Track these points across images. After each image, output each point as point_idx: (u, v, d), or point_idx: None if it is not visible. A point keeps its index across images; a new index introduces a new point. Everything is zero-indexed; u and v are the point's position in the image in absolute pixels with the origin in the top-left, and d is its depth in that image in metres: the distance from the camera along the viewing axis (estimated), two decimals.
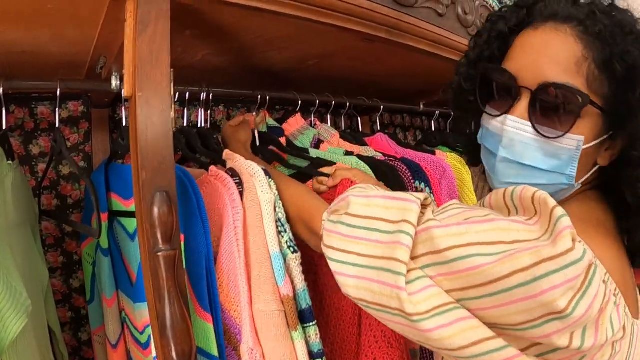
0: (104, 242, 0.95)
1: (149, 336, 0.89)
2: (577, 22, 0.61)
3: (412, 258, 0.57)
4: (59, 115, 1.05)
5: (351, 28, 0.86)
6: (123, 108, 0.93)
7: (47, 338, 0.90)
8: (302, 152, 0.98)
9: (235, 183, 0.77)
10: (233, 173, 0.80)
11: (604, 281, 0.53)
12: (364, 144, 1.13)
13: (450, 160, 1.17)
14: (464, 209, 0.61)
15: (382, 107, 1.23)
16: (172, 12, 0.68)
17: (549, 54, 0.62)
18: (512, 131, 0.63)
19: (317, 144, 1.05)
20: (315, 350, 0.78)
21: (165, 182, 0.66)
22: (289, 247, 0.77)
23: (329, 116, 1.20)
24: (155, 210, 0.65)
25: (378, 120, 1.30)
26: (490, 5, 1.14)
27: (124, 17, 0.68)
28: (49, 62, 0.90)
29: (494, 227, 0.54)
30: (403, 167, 0.99)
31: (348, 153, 1.00)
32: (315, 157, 0.96)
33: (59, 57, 0.88)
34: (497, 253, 0.51)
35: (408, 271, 0.56)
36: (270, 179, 0.79)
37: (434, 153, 1.19)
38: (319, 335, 0.79)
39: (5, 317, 0.71)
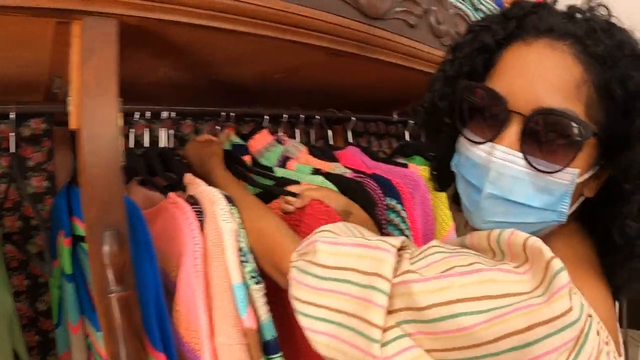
0: (67, 267, 0.91)
1: None
2: (575, 40, 0.54)
3: (389, 312, 0.52)
4: (22, 132, 1.03)
5: (316, 44, 0.82)
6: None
7: None
8: (266, 172, 0.94)
9: (196, 212, 0.74)
10: (193, 201, 0.77)
11: (598, 333, 0.49)
12: (333, 159, 1.10)
13: (423, 174, 1.14)
14: (445, 253, 0.54)
15: (353, 118, 1.19)
16: (123, 33, 0.65)
17: (546, 75, 0.54)
18: (500, 163, 0.55)
19: (284, 161, 1.02)
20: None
21: (115, 220, 0.63)
22: (252, 277, 0.74)
23: (297, 129, 1.17)
24: (106, 249, 0.62)
25: (350, 132, 1.27)
26: (465, 13, 1.10)
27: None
28: (6, 82, 0.87)
29: (480, 279, 0.48)
30: (373, 184, 0.96)
31: (315, 171, 0.97)
32: (280, 176, 0.93)
33: (16, 78, 0.86)
34: (485, 311, 0.46)
35: (384, 330, 0.51)
36: (233, 207, 0.76)
37: (406, 166, 1.16)
38: None
39: None
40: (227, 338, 0.71)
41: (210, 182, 0.83)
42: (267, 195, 0.89)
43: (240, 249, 0.74)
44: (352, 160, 1.11)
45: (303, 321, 0.59)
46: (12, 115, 0.83)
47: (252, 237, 0.76)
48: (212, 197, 0.76)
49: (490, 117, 0.57)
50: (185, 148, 0.98)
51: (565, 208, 0.56)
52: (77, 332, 0.92)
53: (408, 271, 0.52)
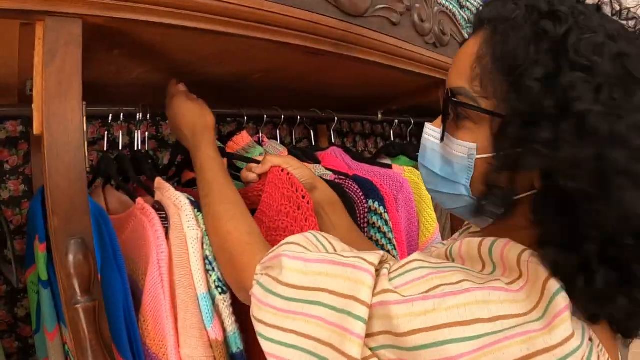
0: (43, 274, 0.89)
1: None
2: (493, 22, 0.54)
3: (366, 335, 0.47)
4: None
5: (292, 42, 0.81)
6: None
7: None
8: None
9: (161, 218, 0.72)
10: (159, 206, 0.75)
11: (599, 357, 0.46)
12: (315, 160, 1.08)
13: (407, 175, 1.12)
14: (429, 269, 0.50)
15: (336, 118, 1.17)
16: (91, 34, 0.63)
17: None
18: (425, 138, 0.62)
19: None
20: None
21: (79, 229, 0.61)
22: (217, 287, 0.71)
23: (278, 129, 1.15)
24: (70, 258, 0.60)
25: (332, 132, 1.24)
26: (450, 10, 1.08)
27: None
28: None
29: (469, 300, 0.44)
30: (354, 187, 0.94)
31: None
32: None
33: None
34: (476, 337, 0.41)
35: None
36: (199, 213, 0.73)
37: (390, 167, 1.14)
38: None
39: None
40: (192, 350, 0.69)
41: (195, 159, 0.80)
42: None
43: (205, 257, 0.72)
44: (333, 162, 1.09)
45: (267, 347, 0.54)
46: None
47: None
48: (177, 202, 0.74)
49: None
50: (175, 106, 0.85)
51: (468, 182, 0.55)
52: (53, 339, 0.90)
53: (386, 290, 0.48)
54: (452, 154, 0.56)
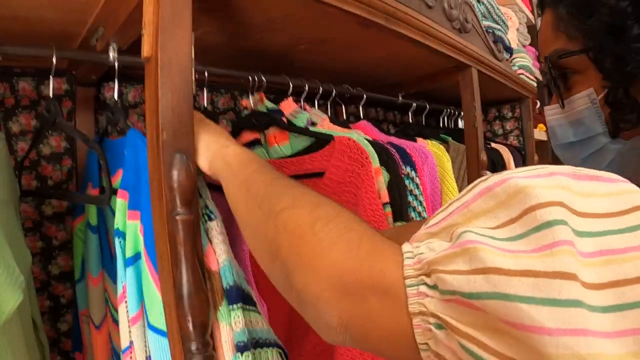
0: (93, 219, 0.92)
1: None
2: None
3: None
4: (42, 91, 1.03)
5: (351, 11, 0.88)
6: (116, 85, 0.91)
7: (30, 325, 0.86)
8: (310, 130, 1.00)
9: None
10: None
11: None
12: (350, 129, 1.16)
13: (431, 148, 1.22)
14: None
15: (364, 95, 1.26)
16: None
17: (541, 37, 0.66)
18: (549, 119, 0.67)
19: (311, 125, 1.07)
20: (236, 341, 0.65)
21: (184, 145, 0.66)
22: (205, 214, 0.70)
23: (316, 102, 1.22)
24: (175, 173, 0.64)
25: (361, 110, 1.34)
26: (470, 2, 1.20)
27: None
28: (40, 31, 0.87)
29: None
30: (393, 149, 1.02)
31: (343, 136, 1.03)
32: (318, 131, 0.99)
33: (53, 26, 0.85)
34: None
35: None
36: None
37: (415, 141, 1.23)
38: (243, 323, 0.66)
39: (1, 292, 0.67)
40: None
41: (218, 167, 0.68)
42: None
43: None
44: (366, 131, 1.17)
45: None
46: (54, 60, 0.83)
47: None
48: None
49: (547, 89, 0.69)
50: None
51: (603, 127, 0.61)
52: (97, 284, 0.93)
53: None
54: (577, 112, 0.62)
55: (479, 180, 0.41)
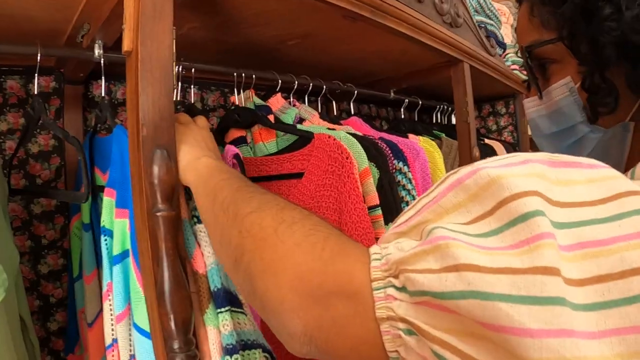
0: (86, 217, 0.92)
1: None
2: None
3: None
4: (30, 90, 1.02)
5: (335, 3, 0.87)
6: (103, 82, 0.90)
7: (18, 325, 0.85)
8: (289, 127, 0.98)
9: None
10: None
11: None
12: (341, 124, 1.15)
13: (422, 144, 1.21)
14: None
15: (355, 91, 1.25)
16: None
17: (518, 28, 0.65)
18: (528, 112, 0.65)
19: (299, 122, 1.06)
20: (225, 344, 0.64)
21: (165, 140, 0.65)
22: (193, 216, 0.70)
23: (305, 98, 1.22)
24: (155, 168, 0.63)
25: (353, 106, 1.33)
26: None
27: None
28: (26, 29, 0.87)
29: None
30: (384, 145, 1.01)
31: (330, 129, 1.02)
32: (300, 128, 0.97)
33: (39, 24, 0.85)
34: None
35: None
36: None
37: (406, 137, 1.23)
38: (231, 326, 0.65)
39: None
40: None
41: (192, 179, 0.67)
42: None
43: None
44: (358, 127, 1.16)
45: None
46: (38, 57, 0.83)
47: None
48: None
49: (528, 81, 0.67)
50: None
51: (582, 116, 0.58)
52: (90, 282, 0.92)
53: None
54: (556, 102, 0.60)
55: (449, 173, 0.39)
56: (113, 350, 0.75)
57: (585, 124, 0.59)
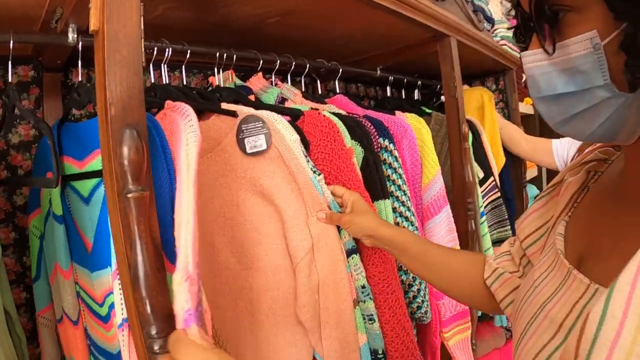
0: (58, 208, 0.89)
1: (109, 306, 0.85)
2: None
3: None
4: (8, 80, 1.00)
5: None
6: (79, 66, 0.88)
7: (3, 319, 0.84)
8: (273, 107, 0.96)
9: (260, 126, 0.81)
10: (255, 119, 0.82)
11: None
12: (325, 103, 1.13)
13: (410, 120, 1.19)
14: None
15: (340, 70, 1.23)
16: None
17: None
18: (529, 67, 0.54)
19: (281, 102, 1.04)
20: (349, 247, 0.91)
21: (134, 119, 0.63)
22: (314, 171, 0.86)
23: (288, 77, 1.20)
24: (125, 149, 0.62)
25: (337, 85, 1.31)
26: None
27: None
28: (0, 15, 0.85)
29: None
30: (368, 124, 1.00)
31: (314, 109, 1.00)
32: (285, 107, 0.96)
33: (12, 10, 0.83)
34: None
35: None
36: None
37: (393, 114, 1.21)
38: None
39: None
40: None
41: None
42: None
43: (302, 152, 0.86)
44: (343, 105, 1.14)
45: None
46: (11, 44, 0.81)
47: None
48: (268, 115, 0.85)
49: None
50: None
51: (607, 79, 0.48)
52: (69, 277, 0.89)
53: None
54: (573, 59, 0.49)
55: None
56: (123, 330, 0.74)
57: (605, 88, 0.49)
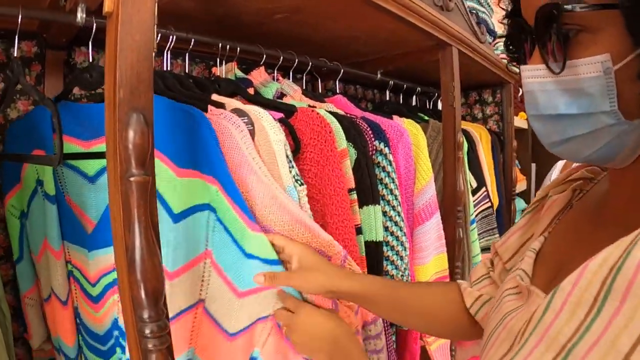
0: (50, 188, 0.88)
1: (104, 287, 0.85)
2: None
3: None
4: (11, 54, 1.00)
5: None
6: (90, 47, 0.88)
7: None
8: (269, 101, 0.97)
9: (244, 122, 0.78)
10: (240, 113, 0.79)
11: None
12: (324, 102, 1.14)
13: (407, 126, 1.20)
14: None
15: (342, 70, 1.25)
16: None
17: None
18: (528, 82, 0.51)
19: (280, 97, 1.05)
20: None
21: (142, 104, 0.64)
22: (296, 180, 0.81)
23: (290, 74, 1.21)
24: (131, 132, 0.62)
25: (337, 85, 1.32)
26: None
27: None
28: None
29: None
30: (365, 125, 1.01)
31: (311, 107, 1.01)
32: (280, 102, 0.97)
33: None
34: None
35: None
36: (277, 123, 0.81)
37: (391, 118, 1.22)
38: None
39: None
40: None
41: None
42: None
43: (287, 156, 0.80)
44: (341, 105, 1.16)
45: None
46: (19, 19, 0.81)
47: None
48: (256, 112, 0.81)
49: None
50: (304, 315, 0.77)
51: (614, 105, 0.46)
52: (60, 258, 0.90)
53: None
54: (580, 80, 0.47)
55: None
56: None
57: (610, 115, 0.46)
